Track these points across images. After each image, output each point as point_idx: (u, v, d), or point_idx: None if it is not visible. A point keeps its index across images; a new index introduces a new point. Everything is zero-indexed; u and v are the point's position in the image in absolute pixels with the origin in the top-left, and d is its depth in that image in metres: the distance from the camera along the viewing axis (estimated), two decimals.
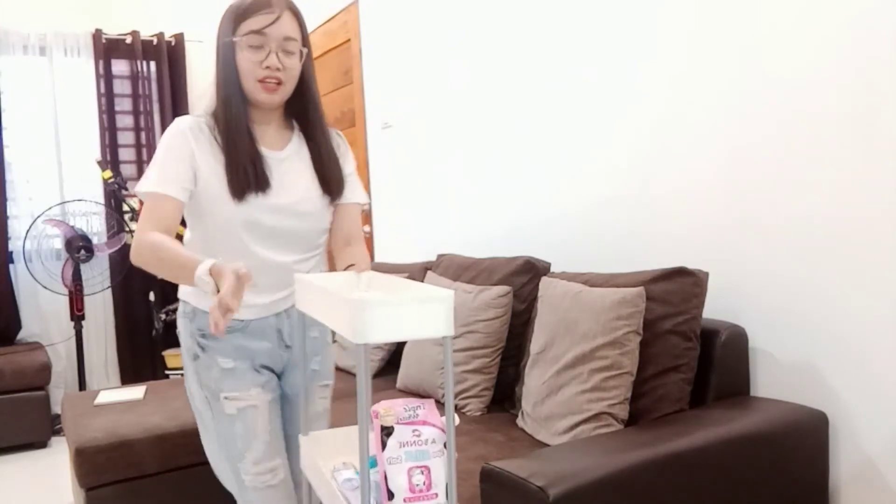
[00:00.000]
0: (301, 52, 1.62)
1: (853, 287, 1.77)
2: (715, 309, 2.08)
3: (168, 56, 4.86)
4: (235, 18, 1.58)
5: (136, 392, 2.98)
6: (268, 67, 1.57)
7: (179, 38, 4.89)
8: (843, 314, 1.80)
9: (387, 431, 1.13)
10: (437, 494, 1.11)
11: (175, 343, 3.38)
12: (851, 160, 1.75)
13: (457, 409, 2.38)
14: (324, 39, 4.24)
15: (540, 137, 2.71)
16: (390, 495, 1.10)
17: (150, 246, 1.49)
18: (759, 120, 1.95)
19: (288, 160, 1.67)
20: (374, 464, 1.16)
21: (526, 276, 2.43)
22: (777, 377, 1.97)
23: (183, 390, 2.93)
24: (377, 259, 3.85)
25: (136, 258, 1.53)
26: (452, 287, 2.56)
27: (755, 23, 1.94)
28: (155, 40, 4.82)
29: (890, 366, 1.72)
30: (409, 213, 3.59)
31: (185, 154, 1.58)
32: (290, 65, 1.60)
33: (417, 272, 2.95)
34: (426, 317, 1.08)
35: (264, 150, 1.64)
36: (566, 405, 1.93)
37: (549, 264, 2.48)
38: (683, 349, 1.91)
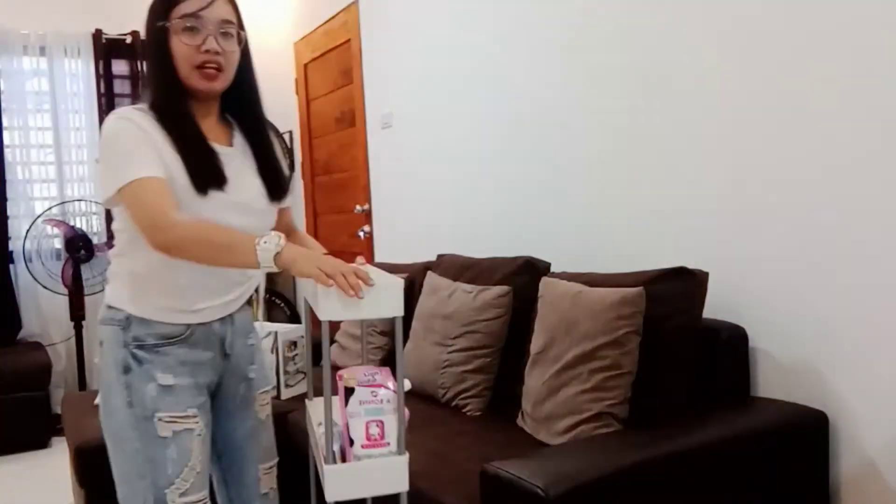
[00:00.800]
0: (239, 35, 1.52)
1: (853, 287, 1.77)
2: (715, 309, 2.08)
3: None
4: (167, 2, 1.48)
5: None
6: (207, 51, 1.46)
7: None
8: (843, 314, 1.80)
9: (349, 392, 1.38)
10: (388, 443, 1.38)
11: None
12: (852, 160, 1.75)
13: (457, 408, 2.38)
14: (324, 39, 4.24)
15: (539, 138, 2.71)
16: (351, 442, 1.37)
17: (196, 227, 1.37)
18: (759, 120, 1.95)
19: (235, 156, 1.57)
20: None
21: (526, 276, 2.43)
22: (777, 377, 1.97)
23: None
24: (377, 259, 3.85)
25: (176, 242, 1.38)
26: (452, 287, 2.56)
27: (755, 22, 1.94)
28: None
29: (890, 366, 1.72)
30: (409, 213, 3.59)
31: (146, 140, 1.45)
32: (229, 48, 1.49)
33: (417, 272, 2.95)
34: (379, 299, 1.32)
35: (214, 145, 1.53)
36: (566, 405, 1.93)
37: (549, 264, 2.47)
38: (683, 349, 1.91)
